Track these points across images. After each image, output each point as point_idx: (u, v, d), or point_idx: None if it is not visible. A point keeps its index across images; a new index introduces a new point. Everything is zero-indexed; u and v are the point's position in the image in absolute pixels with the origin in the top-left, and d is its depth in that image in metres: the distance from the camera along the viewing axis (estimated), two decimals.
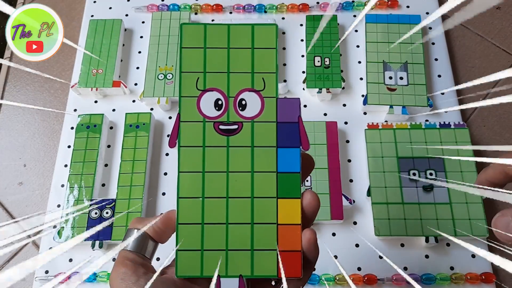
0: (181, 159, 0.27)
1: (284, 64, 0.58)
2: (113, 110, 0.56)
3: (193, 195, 0.27)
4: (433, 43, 0.58)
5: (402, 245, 0.48)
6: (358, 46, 0.58)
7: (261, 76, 0.28)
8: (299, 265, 0.27)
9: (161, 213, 0.28)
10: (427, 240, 0.46)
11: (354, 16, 0.60)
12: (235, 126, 0.28)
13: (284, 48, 0.59)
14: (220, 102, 0.28)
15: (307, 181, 0.49)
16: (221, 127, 0.28)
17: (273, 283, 0.28)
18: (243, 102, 0.28)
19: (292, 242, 0.27)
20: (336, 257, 0.47)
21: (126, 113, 0.54)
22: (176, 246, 0.27)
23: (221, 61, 0.28)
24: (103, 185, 0.52)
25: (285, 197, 0.27)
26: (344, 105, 0.55)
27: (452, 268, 0.46)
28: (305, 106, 0.55)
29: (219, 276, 0.26)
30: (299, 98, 0.28)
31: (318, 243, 0.27)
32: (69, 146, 0.54)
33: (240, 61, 0.28)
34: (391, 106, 0.52)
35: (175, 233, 0.27)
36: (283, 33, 0.60)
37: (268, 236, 0.27)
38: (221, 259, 0.27)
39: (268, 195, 0.27)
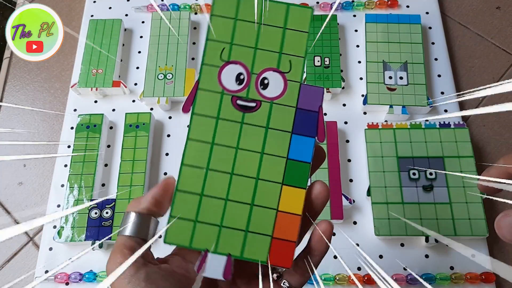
0: (192, 126, 0.27)
1: None
2: (113, 110, 0.56)
3: (198, 164, 0.26)
4: (433, 43, 0.58)
5: (402, 245, 0.48)
6: (358, 46, 0.58)
7: (288, 58, 0.27)
8: (291, 255, 0.26)
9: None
10: (427, 240, 0.46)
11: (354, 16, 0.60)
12: (253, 104, 0.27)
13: None
14: (242, 77, 0.27)
15: None
16: (239, 102, 0.27)
17: (274, 276, 0.27)
18: (266, 81, 0.27)
19: (288, 231, 0.26)
20: (336, 257, 0.47)
21: (126, 113, 0.54)
22: (171, 212, 0.26)
23: (250, 35, 0.27)
24: (103, 185, 0.52)
25: (291, 185, 0.26)
26: (344, 105, 0.55)
27: (452, 268, 0.46)
28: None
29: (207, 250, 0.26)
30: (323, 88, 0.28)
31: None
32: (69, 146, 0.54)
33: (269, 39, 0.27)
34: (391, 106, 0.52)
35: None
36: None
37: (266, 220, 0.26)
38: (213, 234, 0.26)
39: (274, 179, 0.27)
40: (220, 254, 0.26)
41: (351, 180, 0.51)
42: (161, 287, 0.24)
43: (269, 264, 0.26)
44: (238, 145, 0.27)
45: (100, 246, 0.47)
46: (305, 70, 0.55)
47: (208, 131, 0.27)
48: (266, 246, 0.26)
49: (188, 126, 0.26)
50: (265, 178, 0.27)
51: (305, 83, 0.54)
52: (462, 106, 0.55)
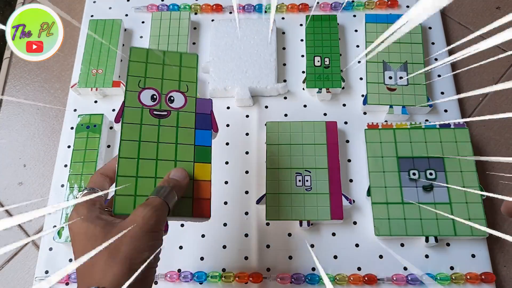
0: (123, 131, 0.37)
1: (284, 64, 0.58)
2: (113, 110, 0.56)
3: (131, 156, 0.37)
4: (433, 43, 0.58)
5: (402, 245, 0.48)
6: (358, 46, 0.58)
7: (185, 83, 0.41)
8: (209, 208, 0.37)
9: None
10: (427, 240, 0.46)
11: (354, 16, 0.60)
12: (165, 113, 0.39)
13: (284, 48, 0.59)
14: (155, 97, 0.39)
15: (307, 181, 0.49)
16: (155, 112, 0.39)
17: None
18: (172, 98, 0.40)
19: (204, 192, 0.38)
20: (336, 257, 0.47)
21: None
22: (115, 192, 0.35)
23: (158, 71, 0.40)
24: None
25: (200, 162, 0.39)
26: (344, 105, 0.55)
27: (452, 268, 0.46)
28: (305, 106, 0.55)
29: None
30: (211, 99, 0.42)
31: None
32: (69, 146, 0.54)
33: (171, 73, 0.41)
34: (391, 106, 0.52)
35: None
36: (283, 33, 0.60)
37: (187, 188, 0.37)
38: None
39: (188, 159, 0.39)
40: None
41: (351, 180, 0.51)
42: (98, 221, 0.32)
43: (193, 216, 0.37)
44: (158, 139, 0.38)
45: None
46: (304, 70, 0.56)
47: (135, 132, 0.38)
48: (190, 205, 0.37)
49: (120, 132, 0.37)
50: (181, 159, 0.38)
51: (305, 83, 0.54)
52: (462, 106, 0.55)
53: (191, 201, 0.37)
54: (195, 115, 0.40)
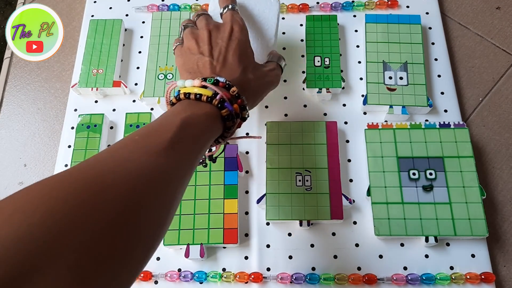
0: None
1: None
2: (114, 110, 0.56)
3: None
4: (433, 43, 0.58)
5: (402, 244, 0.48)
6: (358, 46, 0.58)
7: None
8: (236, 236, 0.47)
9: None
10: (427, 240, 0.46)
11: (354, 16, 0.60)
12: (201, 160, 0.43)
13: (284, 48, 0.59)
14: None
15: (307, 181, 0.49)
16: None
17: None
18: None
19: (232, 223, 0.47)
20: (336, 257, 0.47)
21: (126, 113, 0.54)
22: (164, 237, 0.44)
23: None
24: None
25: (229, 198, 0.48)
26: (344, 105, 0.55)
27: (452, 268, 0.46)
28: (305, 106, 0.55)
29: (188, 244, 0.47)
30: (237, 144, 0.51)
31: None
32: (69, 146, 0.54)
33: None
34: (391, 106, 0.52)
35: None
36: (283, 33, 0.60)
37: (218, 220, 0.48)
38: (190, 234, 0.47)
39: (219, 197, 0.48)
40: (196, 244, 0.47)
41: (351, 180, 0.51)
42: None
43: (223, 244, 0.47)
44: (195, 183, 0.49)
45: None
46: (305, 70, 0.56)
47: None
48: (221, 234, 0.47)
49: None
50: (213, 197, 0.48)
51: (305, 83, 0.54)
52: (462, 106, 0.55)
53: (222, 231, 0.47)
54: (224, 159, 0.50)
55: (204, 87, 0.37)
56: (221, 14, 0.45)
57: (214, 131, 0.37)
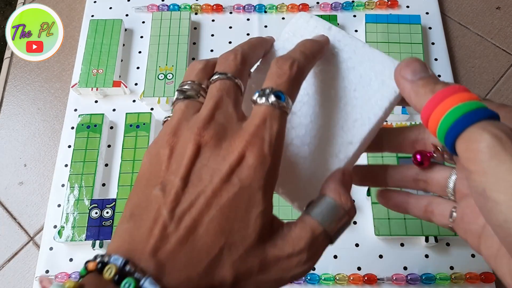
0: None
1: None
2: (113, 110, 0.56)
3: None
4: (433, 43, 0.58)
5: (402, 244, 0.48)
6: None
7: None
8: None
9: None
10: (427, 240, 0.46)
11: (354, 16, 0.60)
12: None
13: None
14: None
15: None
16: None
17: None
18: None
19: None
20: (336, 257, 0.47)
21: (126, 113, 0.54)
22: None
23: None
24: (104, 185, 0.52)
25: None
26: None
27: (452, 268, 0.46)
28: None
29: None
30: None
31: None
32: (69, 146, 0.54)
33: None
34: None
35: None
36: None
37: None
38: None
39: None
40: None
41: None
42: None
43: None
44: None
45: (101, 245, 0.47)
46: None
47: None
48: None
49: None
50: None
51: None
52: None
53: None
54: None
55: None
56: (253, 102, 0.23)
57: None
